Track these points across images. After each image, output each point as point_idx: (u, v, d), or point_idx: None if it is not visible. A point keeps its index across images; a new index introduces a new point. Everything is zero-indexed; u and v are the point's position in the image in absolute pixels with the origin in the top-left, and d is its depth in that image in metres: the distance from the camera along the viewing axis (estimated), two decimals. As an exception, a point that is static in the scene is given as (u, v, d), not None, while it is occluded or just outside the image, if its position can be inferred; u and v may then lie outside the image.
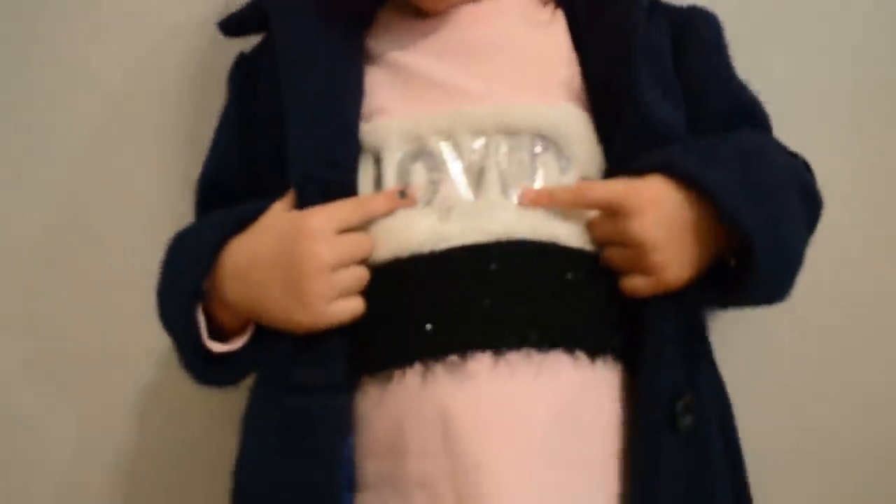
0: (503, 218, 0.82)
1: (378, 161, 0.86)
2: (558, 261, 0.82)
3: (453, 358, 0.78)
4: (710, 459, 0.82)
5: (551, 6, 0.94)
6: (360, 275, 0.82)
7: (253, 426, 0.85)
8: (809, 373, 1.06)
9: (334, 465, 0.81)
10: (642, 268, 0.81)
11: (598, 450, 0.81)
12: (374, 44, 0.93)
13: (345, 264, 0.82)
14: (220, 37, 0.99)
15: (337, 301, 0.81)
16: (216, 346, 0.86)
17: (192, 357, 0.88)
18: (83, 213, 1.15)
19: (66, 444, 1.14)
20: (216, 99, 0.99)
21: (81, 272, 1.14)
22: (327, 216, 0.82)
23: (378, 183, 0.85)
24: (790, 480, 1.04)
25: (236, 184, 0.94)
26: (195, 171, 0.97)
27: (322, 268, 0.81)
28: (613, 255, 0.83)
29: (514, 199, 0.83)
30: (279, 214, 0.85)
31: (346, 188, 0.85)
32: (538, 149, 0.85)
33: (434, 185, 0.84)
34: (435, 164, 0.84)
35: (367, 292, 0.83)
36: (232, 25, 0.98)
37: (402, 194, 0.83)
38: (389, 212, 0.83)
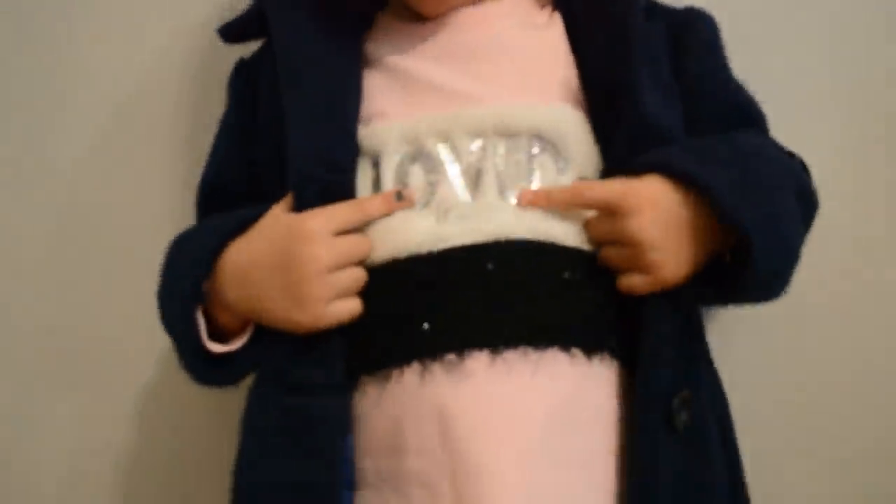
0: (500, 219, 0.82)
1: (376, 163, 0.87)
2: (555, 260, 0.82)
3: (451, 357, 0.79)
4: (707, 458, 0.82)
5: (548, 8, 0.95)
6: (358, 276, 0.83)
7: (252, 426, 0.86)
8: (806, 371, 1.06)
9: (334, 463, 0.81)
10: (640, 266, 0.82)
11: (596, 447, 0.81)
12: (373, 48, 0.93)
13: (343, 266, 0.82)
14: (221, 42, 0.99)
15: (335, 302, 0.82)
16: (216, 347, 0.87)
17: (192, 358, 0.88)
18: (83, 216, 1.15)
19: (67, 443, 1.14)
20: (218, 103, 0.99)
21: (82, 274, 1.15)
22: (325, 218, 0.83)
23: (376, 185, 0.86)
24: (787, 479, 1.04)
25: (236, 188, 0.94)
26: (196, 174, 0.98)
27: (320, 270, 0.81)
28: (611, 254, 0.83)
29: (512, 200, 0.83)
30: (278, 217, 0.86)
31: (345, 190, 0.86)
32: (535, 150, 0.85)
33: (432, 187, 0.84)
34: (433, 166, 0.85)
35: (366, 293, 0.83)
36: (232, 31, 0.98)
37: (400, 196, 0.84)
38: (387, 213, 0.84)
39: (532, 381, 0.79)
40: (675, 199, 0.82)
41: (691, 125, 0.88)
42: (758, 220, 0.79)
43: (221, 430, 0.93)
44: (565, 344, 0.80)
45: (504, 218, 0.82)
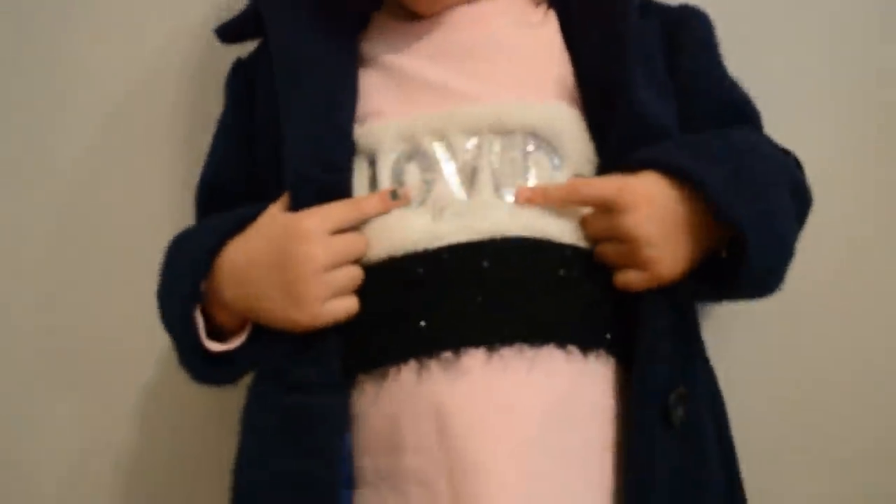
0: (495, 217, 0.82)
1: (373, 162, 0.87)
2: (550, 258, 0.82)
3: (447, 354, 0.79)
4: (703, 454, 0.83)
5: (543, 6, 0.95)
6: (354, 274, 0.83)
7: (252, 424, 0.86)
8: (801, 368, 1.06)
9: (333, 462, 0.82)
10: (636, 263, 0.82)
11: (593, 444, 0.81)
12: (369, 47, 0.93)
13: (339, 264, 0.83)
14: (220, 41, 1.00)
15: (332, 300, 0.82)
16: (214, 346, 0.87)
17: (191, 357, 0.88)
18: (83, 216, 1.16)
19: (67, 442, 1.15)
20: (217, 102, 0.99)
21: (82, 274, 1.15)
22: (321, 218, 0.83)
23: (373, 184, 0.86)
24: (782, 475, 1.04)
25: (235, 188, 0.95)
26: (196, 173, 0.98)
27: (317, 269, 0.82)
28: (607, 250, 0.83)
29: (507, 198, 0.84)
30: (275, 216, 0.86)
31: (341, 189, 0.86)
32: (530, 147, 0.85)
33: (428, 185, 0.85)
34: (428, 165, 0.85)
35: (363, 291, 0.84)
36: (229, 32, 0.99)
37: (395, 195, 0.84)
38: (383, 212, 0.84)
39: (528, 377, 0.79)
40: (670, 195, 0.82)
41: (686, 122, 0.88)
42: (753, 216, 0.80)
43: (221, 429, 0.93)
44: (561, 341, 0.80)
45: (499, 216, 0.82)
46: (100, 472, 1.14)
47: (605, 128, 0.87)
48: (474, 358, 0.79)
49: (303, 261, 0.82)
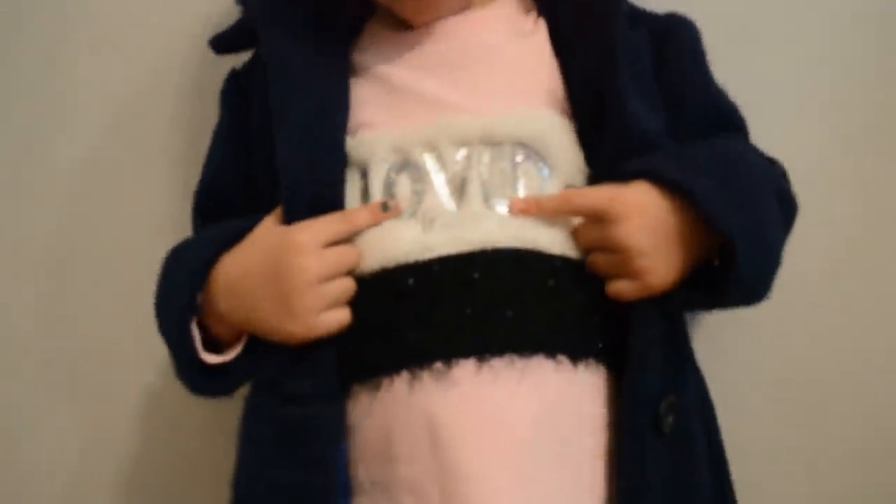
0: (485, 227, 0.83)
1: (364, 174, 0.87)
2: (540, 268, 0.83)
3: (438, 365, 0.80)
4: (693, 461, 0.83)
5: (533, 14, 0.95)
6: (347, 286, 0.84)
7: (249, 436, 0.87)
8: (790, 374, 1.06)
9: (330, 471, 0.83)
10: (628, 273, 0.82)
11: (584, 452, 0.82)
12: (361, 57, 0.94)
13: (332, 276, 0.83)
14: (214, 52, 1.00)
15: (326, 312, 0.83)
16: (210, 358, 0.88)
17: (188, 368, 0.89)
18: (83, 216, 1.16)
19: (67, 450, 1.15)
20: (214, 112, 1.00)
21: (82, 274, 1.16)
22: (314, 231, 0.84)
23: (365, 195, 0.87)
24: (773, 481, 1.05)
25: (231, 197, 0.95)
26: (195, 173, 0.99)
27: (310, 281, 0.82)
28: (599, 260, 0.84)
29: (497, 208, 0.84)
30: (269, 229, 0.87)
31: (334, 201, 0.86)
32: (519, 158, 0.86)
33: (418, 196, 0.85)
34: (419, 176, 0.85)
35: (355, 302, 0.84)
36: (222, 43, 0.99)
37: (386, 207, 0.85)
38: (374, 224, 0.85)
39: (518, 388, 0.80)
40: (662, 205, 0.82)
41: (673, 130, 0.88)
42: (742, 225, 0.80)
43: (221, 433, 0.93)
44: (550, 351, 0.81)
45: (489, 227, 0.83)
46: (100, 476, 1.15)
47: (595, 137, 0.87)
48: (465, 369, 0.80)
49: (297, 273, 0.83)
